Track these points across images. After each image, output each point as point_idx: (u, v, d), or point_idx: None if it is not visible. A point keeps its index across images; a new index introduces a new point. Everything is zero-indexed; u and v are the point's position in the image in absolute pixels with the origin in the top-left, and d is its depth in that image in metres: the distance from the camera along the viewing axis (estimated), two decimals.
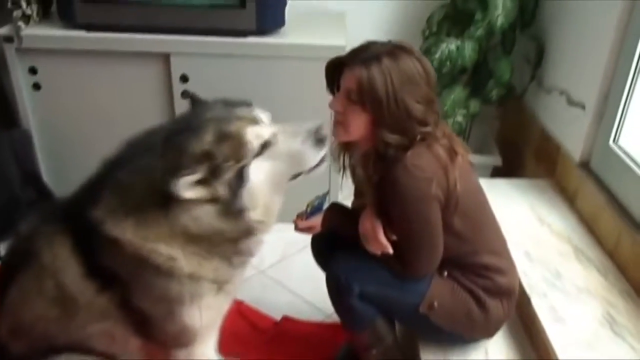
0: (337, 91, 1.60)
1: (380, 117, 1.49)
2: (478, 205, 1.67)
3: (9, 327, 1.47)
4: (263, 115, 1.42)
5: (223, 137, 1.31)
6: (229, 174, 1.30)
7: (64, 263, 1.38)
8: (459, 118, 2.54)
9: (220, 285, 1.45)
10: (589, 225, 2.18)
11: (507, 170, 2.76)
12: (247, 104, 1.43)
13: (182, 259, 1.36)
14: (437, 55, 2.45)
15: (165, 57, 2.43)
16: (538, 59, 2.58)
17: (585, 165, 2.26)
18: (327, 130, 1.45)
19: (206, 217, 1.32)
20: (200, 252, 1.38)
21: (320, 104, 2.46)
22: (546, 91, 2.56)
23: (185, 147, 1.30)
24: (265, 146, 1.36)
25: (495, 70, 2.56)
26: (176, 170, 1.25)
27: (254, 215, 1.37)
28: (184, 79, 2.43)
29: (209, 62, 2.41)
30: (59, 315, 1.41)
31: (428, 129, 1.52)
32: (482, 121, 2.84)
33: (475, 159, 2.28)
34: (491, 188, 1.73)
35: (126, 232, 1.33)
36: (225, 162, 1.30)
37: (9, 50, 2.40)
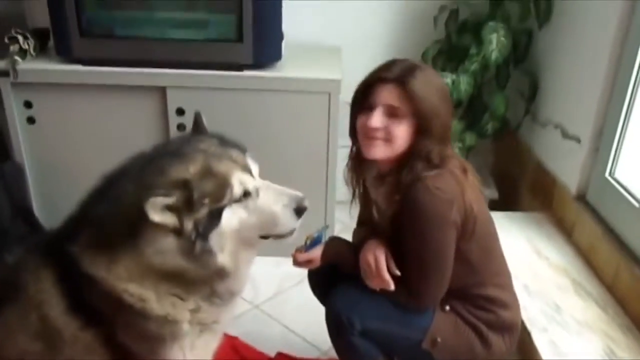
0: (364, 110, 1.57)
1: (426, 128, 1.52)
2: (489, 236, 1.66)
3: None
4: (253, 167, 1.40)
5: (209, 173, 1.29)
6: (201, 212, 1.26)
7: (48, 297, 1.35)
8: (455, 151, 2.55)
9: (203, 325, 1.42)
10: (586, 258, 2.17)
11: (503, 203, 2.76)
12: (242, 149, 1.41)
13: (154, 300, 1.33)
14: None
15: (162, 91, 2.43)
16: (532, 93, 2.60)
17: (581, 198, 2.26)
18: (308, 204, 1.42)
19: (169, 251, 1.27)
20: (175, 292, 1.35)
21: (315, 136, 2.50)
22: (541, 125, 2.58)
23: (167, 170, 1.28)
24: (245, 196, 1.34)
25: (490, 104, 2.58)
26: (151, 188, 1.23)
27: (221, 259, 1.33)
28: (180, 112, 2.43)
29: (206, 96, 2.42)
30: (44, 349, 1.37)
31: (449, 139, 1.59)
32: (477, 154, 2.85)
33: None
34: None
35: (100, 270, 1.31)
36: (202, 198, 1.26)
37: (4, 84, 2.39)
